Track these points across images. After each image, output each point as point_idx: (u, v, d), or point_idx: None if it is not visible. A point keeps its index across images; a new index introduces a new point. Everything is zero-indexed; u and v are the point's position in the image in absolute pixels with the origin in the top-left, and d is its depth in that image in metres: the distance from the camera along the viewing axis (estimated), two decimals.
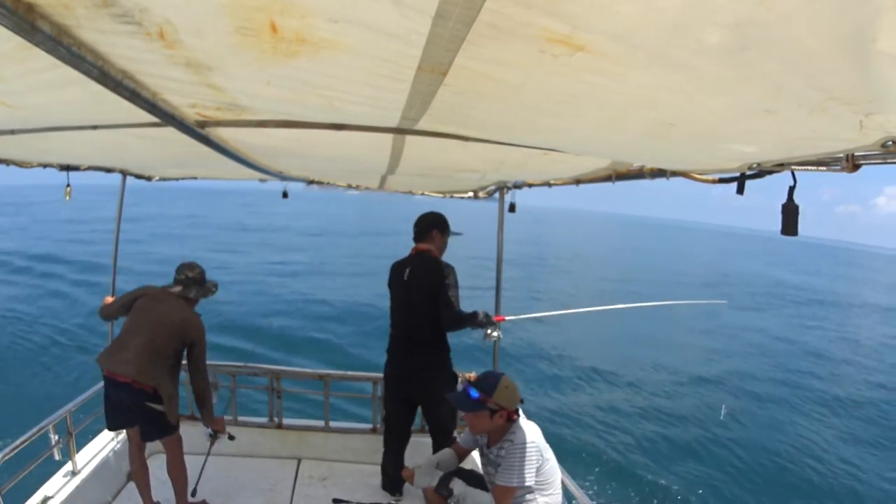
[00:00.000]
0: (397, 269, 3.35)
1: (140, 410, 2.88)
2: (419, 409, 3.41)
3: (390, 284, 3.37)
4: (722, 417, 7.87)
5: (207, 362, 3.62)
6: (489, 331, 3.23)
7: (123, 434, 3.44)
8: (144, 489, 3.07)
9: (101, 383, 3.46)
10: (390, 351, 3.34)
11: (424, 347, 3.20)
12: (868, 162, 1.01)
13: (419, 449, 3.36)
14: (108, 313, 3.11)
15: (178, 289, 3.02)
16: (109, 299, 3.28)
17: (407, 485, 3.16)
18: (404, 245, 3.45)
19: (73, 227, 31.57)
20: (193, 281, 3.05)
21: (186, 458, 3.23)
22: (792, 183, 1.22)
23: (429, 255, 3.25)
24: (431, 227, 3.31)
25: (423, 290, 3.14)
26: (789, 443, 8.62)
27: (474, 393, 2.32)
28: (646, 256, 47.01)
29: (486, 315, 3.17)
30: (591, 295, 22.80)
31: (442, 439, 3.17)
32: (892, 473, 8.04)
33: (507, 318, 3.37)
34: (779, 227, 1.21)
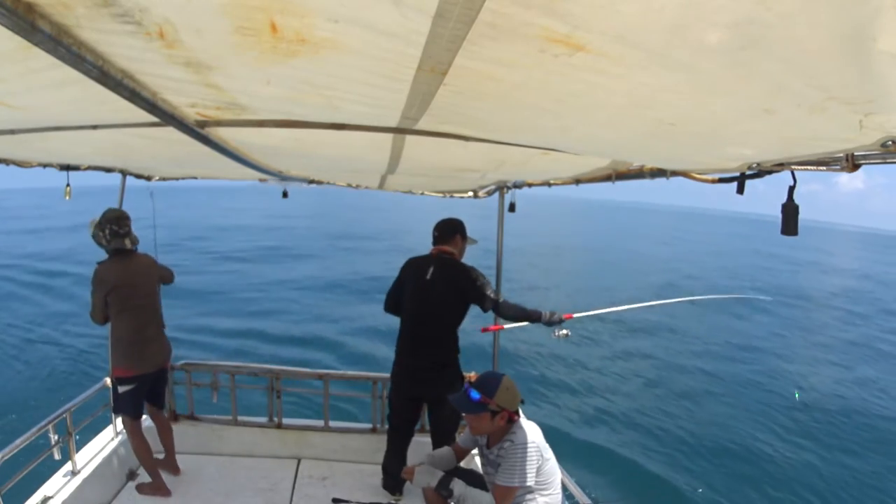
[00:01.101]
0: (416, 267, 3.29)
1: (163, 381, 3.39)
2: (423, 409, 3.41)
3: (404, 281, 3.32)
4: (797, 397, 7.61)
5: (205, 362, 3.85)
6: (559, 330, 3.23)
7: (123, 434, 3.45)
8: (153, 467, 3.20)
9: (101, 383, 3.49)
10: (399, 348, 3.33)
11: (434, 346, 3.20)
12: (868, 162, 1.01)
13: (419, 449, 3.36)
14: (98, 319, 3.10)
15: (128, 243, 3.08)
16: None
17: (407, 485, 3.16)
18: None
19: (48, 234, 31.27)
20: (129, 229, 3.13)
21: (186, 457, 3.39)
22: (792, 183, 1.22)
23: (452, 258, 3.25)
24: (455, 231, 3.31)
25: (446, 292, 3.13)
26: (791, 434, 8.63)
27: (475, 394, 2.32)
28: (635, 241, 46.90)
29: (553, 313, 3.16)
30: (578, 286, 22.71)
31: (442, 439, 3.17)
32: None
33: (575, 315, 3.34)
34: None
